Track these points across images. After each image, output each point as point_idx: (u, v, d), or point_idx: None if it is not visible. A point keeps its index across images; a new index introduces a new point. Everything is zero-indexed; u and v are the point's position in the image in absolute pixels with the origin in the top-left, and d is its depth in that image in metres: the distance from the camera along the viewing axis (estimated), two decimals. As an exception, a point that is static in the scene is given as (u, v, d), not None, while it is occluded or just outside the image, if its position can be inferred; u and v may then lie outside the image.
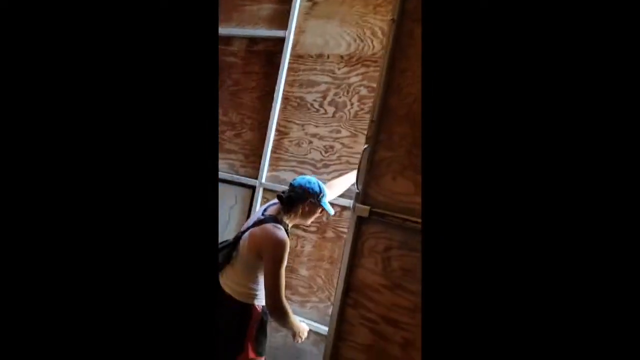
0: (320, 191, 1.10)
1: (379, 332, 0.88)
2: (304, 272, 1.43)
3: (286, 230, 1.06)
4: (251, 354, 0.99)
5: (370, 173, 1.04)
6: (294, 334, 1.12)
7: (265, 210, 1.12)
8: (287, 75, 1.53)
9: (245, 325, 1.01)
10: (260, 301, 1.04)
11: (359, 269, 0.90)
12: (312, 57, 1.48)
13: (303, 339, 1.15)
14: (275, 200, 1.14)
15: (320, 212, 1.16)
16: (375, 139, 1.03)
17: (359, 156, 1.11)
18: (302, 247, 1.45)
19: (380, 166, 1.05)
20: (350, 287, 0.94)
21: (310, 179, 1.11)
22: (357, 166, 1.04)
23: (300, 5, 1.55)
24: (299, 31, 1.53)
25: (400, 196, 0.99)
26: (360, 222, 1.00)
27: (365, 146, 1.04)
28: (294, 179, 1.13)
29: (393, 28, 1.00)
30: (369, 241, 0.90)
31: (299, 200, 1.08)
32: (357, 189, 1.04)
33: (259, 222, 1.06)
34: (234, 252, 1.06)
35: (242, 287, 1.03)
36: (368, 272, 0.90)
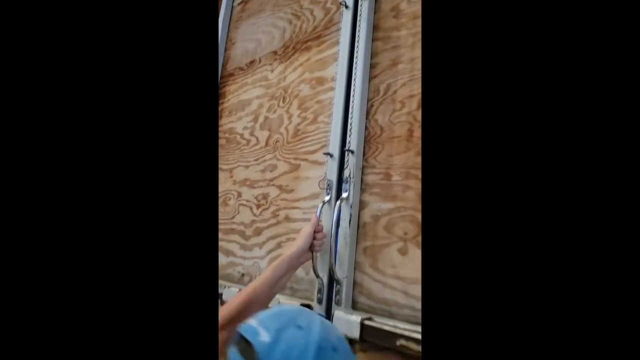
0: None
1: None
2: None
3: None
4: None
5: (355, 244, 0.70)
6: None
7: None
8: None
9: None
10: None
11: None
12: (243, 69, 1.29)
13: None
14: None
15: None
16: (357, 180, 0.72)
17: (303, 205, 0.87)
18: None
19: (373, 230, 0.67)
20: None
21: (323, 342, 0.41)
22: (303, 228, 0.72)
23: (232, 14, 1.38)
24: (230, 44, 1.37)
25: (419, 286, 0.60)
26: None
27: (326, 198, 0.72)
28: (252, 334, 0.42)
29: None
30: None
31: None
32: (318, 275, 0.67)
33: None
34: None
35: None
36: None
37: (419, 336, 0.58)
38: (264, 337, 0.41)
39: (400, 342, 0.60)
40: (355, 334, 0.67)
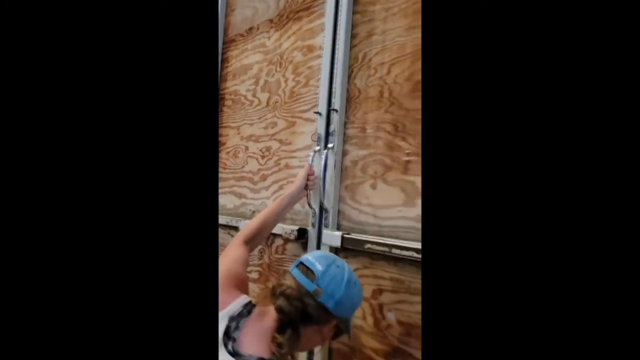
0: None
1: None
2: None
3: None
4: None
5: (339, 182, 0.90)
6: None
7: (243, 314, 0.67)
8: (221, 69, 1.42)
9: None
10: None
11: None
12: (243, 35, 1.41)
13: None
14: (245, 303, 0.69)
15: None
16: (340, 133, 0.88)
17: (299, 155, 1.06)
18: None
19: (352, 171, 0.87)
20: None
21: (349, 277, 0.67)
22: (299, 173, 0.94)
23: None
24: (230, 11, 1.48)
25: (385, 211, 0.82)
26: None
27: (317, 148, 0.92)
28: (311, 264, 0.67)
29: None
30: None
31: (322, 319, 0.64)
32: (312, 206, 0.89)
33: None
34: None
35: None
36: (354, 332, 0.66)
37: (382, 241, 0.85)
38: (319, 267, 0.67)
39: (368, 245, 0.87)
40: (338, 243, 0.94)
